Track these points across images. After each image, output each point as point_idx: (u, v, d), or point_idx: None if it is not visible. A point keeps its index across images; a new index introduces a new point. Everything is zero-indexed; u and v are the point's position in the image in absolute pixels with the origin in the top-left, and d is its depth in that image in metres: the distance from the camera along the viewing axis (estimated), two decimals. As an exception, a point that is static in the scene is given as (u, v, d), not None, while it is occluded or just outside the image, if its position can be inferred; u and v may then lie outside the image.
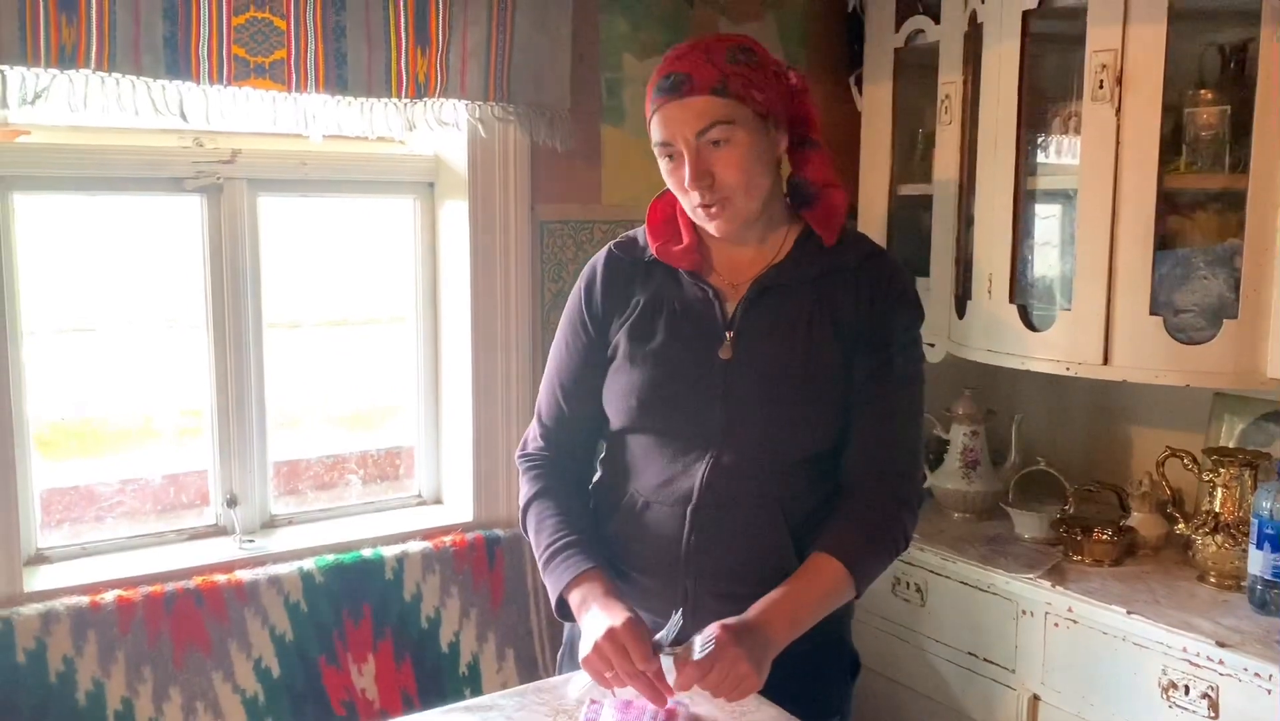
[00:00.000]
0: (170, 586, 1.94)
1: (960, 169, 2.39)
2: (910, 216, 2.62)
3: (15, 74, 1.73)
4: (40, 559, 2.02)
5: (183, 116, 1.88)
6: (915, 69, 2.54)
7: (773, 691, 1.38)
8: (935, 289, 2.46)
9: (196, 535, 2.17)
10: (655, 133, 1.43)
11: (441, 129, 2.13)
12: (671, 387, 1.49)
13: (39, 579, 1.95)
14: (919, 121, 2.59)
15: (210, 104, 1.90)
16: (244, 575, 2.01)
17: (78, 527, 2.12)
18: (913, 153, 2.61)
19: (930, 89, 2.45)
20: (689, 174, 1.40)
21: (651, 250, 1.53)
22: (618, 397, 1.53)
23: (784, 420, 1.46)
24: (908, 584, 2.39)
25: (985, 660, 2.23)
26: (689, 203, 1.45)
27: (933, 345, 2.48)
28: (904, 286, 1.53)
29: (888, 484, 1.48)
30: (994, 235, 2.25)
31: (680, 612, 1.35)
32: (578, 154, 2.35)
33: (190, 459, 2.24)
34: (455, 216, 2.31)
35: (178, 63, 1.83)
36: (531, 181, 2.33)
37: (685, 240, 1.52)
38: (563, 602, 1.46)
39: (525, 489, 1.59)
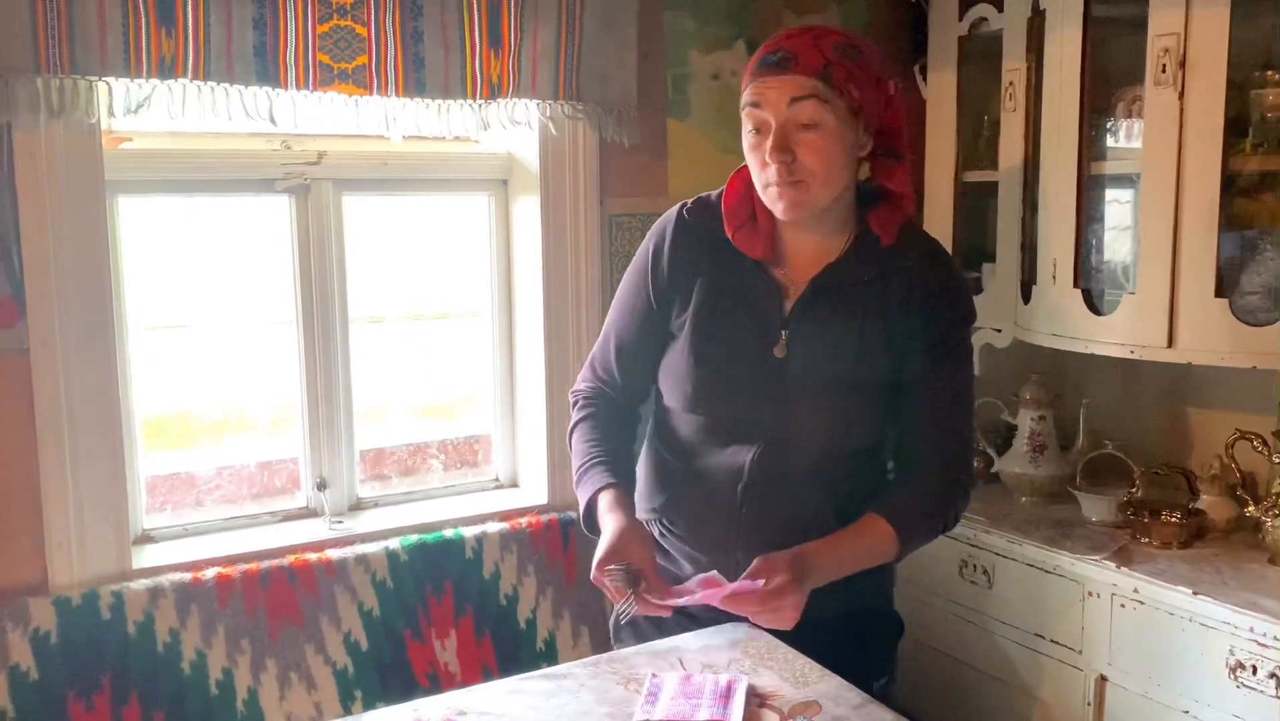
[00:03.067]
0: (265, 564, 2.06)
1: (1025, 155, 2.40)
2: (975, 203, 2.64)
3: (120, 85, 1.86)
4: (146, 538, 2.16)
5: (272, 121, 1.99)
6: (979, 56, 2.55)
7: (824, 658, 1.46)
8: (1001, 274, 2.48)
9: (289, 517, 2.30)
10: (747, 97, 1.43)
11: (514, 128, 2.22)
12: (726, 380, 1.52)
13: (146, 557, 2.09)
14: (984, 108, 2.60)
15: (297, 108, 2.01)
16: (333, 554, 2.12)
17: (180, 510, 2.26)
18: (978, 140, 2.62)
19: (994, 76, 2.47)
20: (771, 143, 1.40)
21: (728, 233, 1.53)
22: (675, 381, 1.57)
23: (830, 419, 1.52)
24: (974, 566, 2.42)
25: (1052, 641, 2.25)
26: (763, 178, 1.45)
27: (1000, 330, 2.50)
28: (957, 287, 1.56)
29: (947, 470, 1.55)
30: (1058, 220, 2.26)
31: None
32: (644, 149, 2.42)
33: (282, 447, 2.36)
34: (528, 212, 2.40)
35: (267, 70, 1.95)
36: (600, 176, 2.40)
37: (761, 225, 1.52)
38: (590, 517, 1.55)
39: (574, 416, 1.66)
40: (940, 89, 2.62)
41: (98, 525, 1.98)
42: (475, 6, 2.11)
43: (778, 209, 1.46)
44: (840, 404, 1.52)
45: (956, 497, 1.57)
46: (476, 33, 2.12)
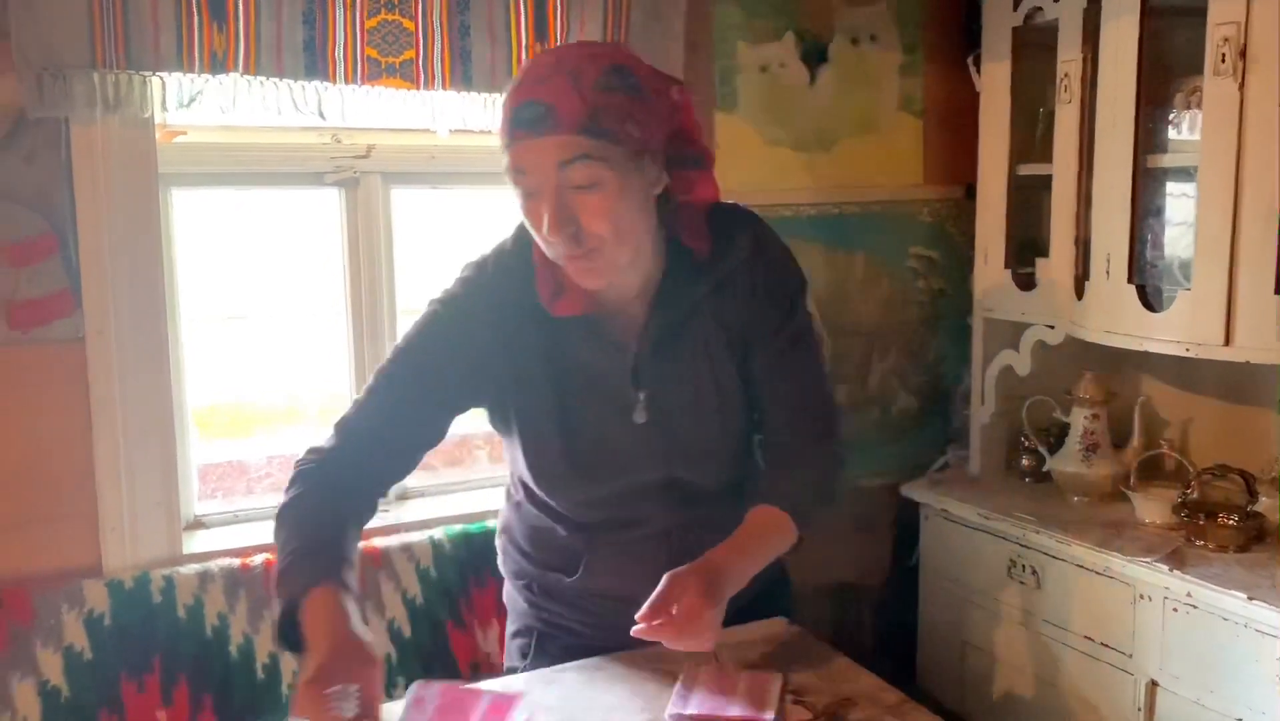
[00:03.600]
0: (312, 551, 2.09)
1: (1080, 148, 2.35)
2: (1029, 197, 2.59)
3: (173, 80, 1.89)
4: (198, 524, 2.21)
5: (321, 115, 2.01)
6: (1034, 47, 2.50)
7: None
8: (1055, 269, 2.43)
9: (336, 505, 2.33)
10: (507, 161, 1.24)
11: (559, 120, 2.22)
12: (594, 459, 1.41)
13: (196, 542, 2.13)
14: (1038, 100, 2.55)
15: (346, 102, 2.03)
16: (379, 542, 2.15)
17: (230, 498, 2.30)
18: (1032, 132, 2.57)
19: (1049, 67, 2.41)
20: (549, 218, 1.23)
21: (545, 304, 1.36)
22: (537, 475, 1.45)
23: (714, 454, 1.47)
24: (1023, 566, 2.38)
25: (1102, 645, 2.20)
26: (550, 249, 1.29)
27: (1052, 327, 2.45)
28: (782, 261, 1.47)
29: (813, 424, 1.52)
30: (1112, 214, 2.21)
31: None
32: (691, 141, 2.41)
33: (333, 436, 2.39)
34: (574, 204, 2.40)
35: (316, 65, 1.97)
36: (646, 169, 2.40)
37: (568, 284, 1.35)
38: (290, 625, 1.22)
39: (286, 494, 1.37)
40: (994, 81, 2.57)
41: (150, 510, 2.03)
42: (522, 1, 2.12)
43: (580, 282, 1.32)
44: (716, 437, 1.46)
45: (835, 464, 1.53)
46: (522, 26, 2.13)
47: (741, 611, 1.51)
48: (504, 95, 1.25)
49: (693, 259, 1.39)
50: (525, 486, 1.52)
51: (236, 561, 2.04)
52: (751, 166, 2.52)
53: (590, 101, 1.18)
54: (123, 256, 1.95)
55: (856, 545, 2.75)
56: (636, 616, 1.28)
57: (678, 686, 1.40)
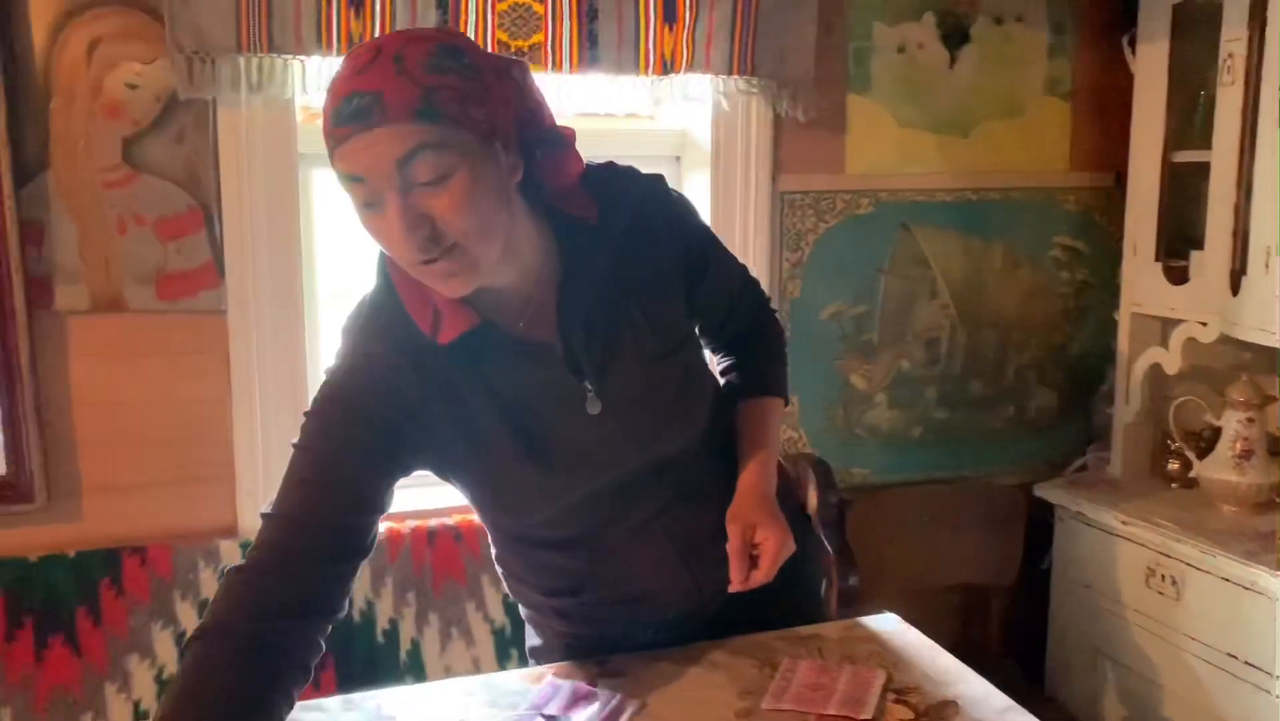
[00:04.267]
0: (434, 523, 2.15)
1: (1241, 134, 2.20)
2: (1185, 185, 2.44)
3: (313, 62, 1.97)
4: (329, 491, 2.30)
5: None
6: (1195, 26, 2.35)
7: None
8: (1209, 263, 2.29)
9: (459, 479, 2.39)
10: (341, 167, 1.05)
11: (686, 103, 2.21)
12: (564, 463, 1.27)
13: (327, 509, 2.22)
14: (1198, 83, 2.40)
15: (475, 85, 2.07)
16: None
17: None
18: (1190, 117, 2.42)
19: (1211, 48, 2.26)
20: (397, 224, 1.04)
21: (427, 335, 1.18)
22: (513, 501, 1.31)
23: (686, 408, 1.36)
24: (1162, 576, 2.25)
25: (1245, 663, 2.07)
26: (404, 261, 1.10)
27: (1205, 324, 2.31)
28: (675, 199, 1.34)
29: (747, 305, 1.51)
30: (1275, 205, 2.06)
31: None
32: (821, 123, 2.36)
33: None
34: (697, 189, 2.38)
35: (448, 48, 2.01)
36: (774, 152, 2.36)
37: (439, 301, 1.17)
38: None
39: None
40: (1150, 62, 2.43)
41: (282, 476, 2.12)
42: (650, -20, 2.12)
43: (444, 290, 1.13)
44: (686, 391, 1.35)
45: (773, 320, 1.56)
46: (652, 8, 2.12)
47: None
48: (324, 100, 1.08)
49: (585, 230, 1.23)
50: (502, 529, 1.42)
51: (361, 529, 2.11)
52: (883, 150, 2.45)
53: (420, 83, 1.02)
54: (263, 233, 2.05)
55: (985, 545, 2.65)
56: (731, 585, 1.31)
57: (777, 677, 1.38)
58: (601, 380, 1.26)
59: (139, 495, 2.04)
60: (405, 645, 2.07)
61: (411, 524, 2.14)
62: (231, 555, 2.02)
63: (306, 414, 1.20)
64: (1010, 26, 2.52)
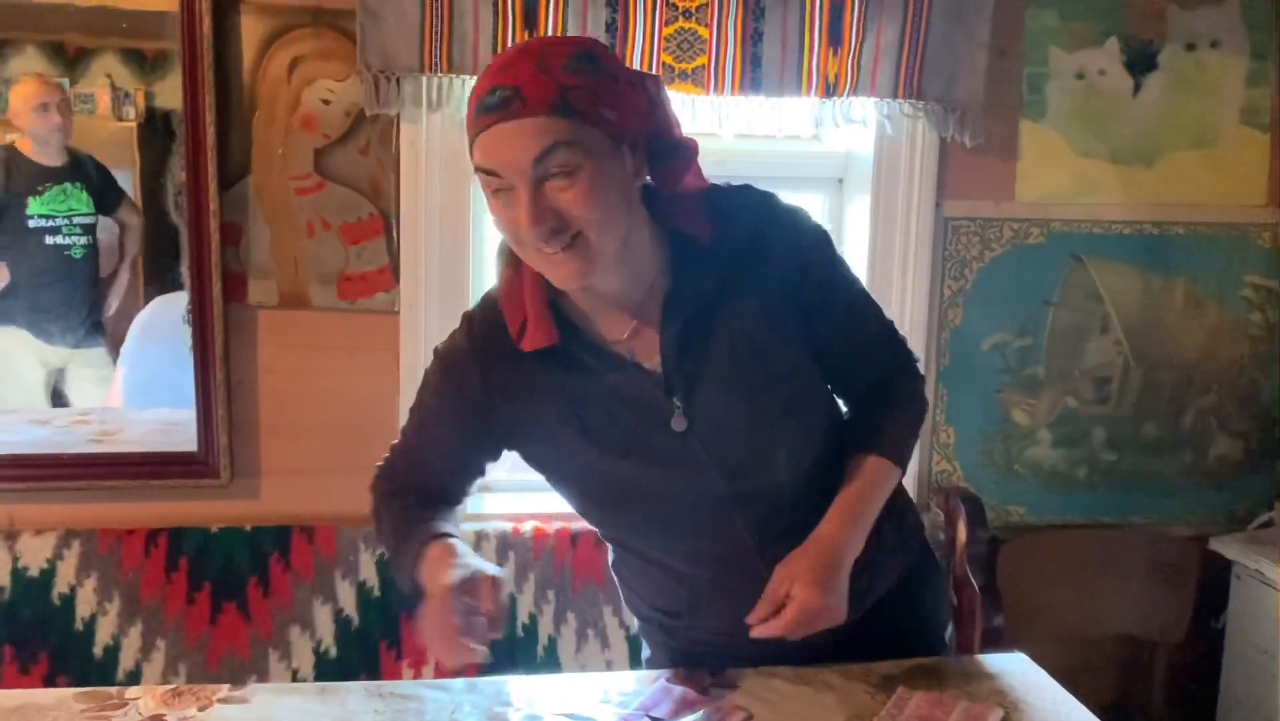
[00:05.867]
0: (577, 526, 2.21)
1: None
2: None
3: (487, 83, 2.08)
4: (484, 487, 2.40)
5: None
6: None
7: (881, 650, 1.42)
8: None
9: (608, 487, 2.45)
10: (476, 158, 1.14)
11: (848, 126, 2.21)
12: (643, 486, 1.30)
13: (480, 504, 2.33)
14: None
15: (639, 106, 2.14)
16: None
17: (516, 466, 2.48)
18: None
19: None
20: (525, 213, 1.11)
21: (513, 339, 1.26)
22: (592, 512, 1.40)
23: (780, 440, 1.31)
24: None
25: None
26: (526, 251, 1.17)
27: None
28: (797, 226, 1.31)
29: (884, 361, 1.42)
30: None
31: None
32: (991, 149, 2.31)
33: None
34: (860, 211, 2.37)
35: (615, 70, 2.09)
36: (938, 177, 2.33)
37: (530, 307, 1.24)
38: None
39: (377, 496, 1.47)
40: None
41: (441, 471, 2.24)
42: (818, 6, 2.13)
43: (558, 279, 1.19)
44: (780, 423, 1.31)
45: (915, 384, 1.45)
46: (817, 31, 2.14)
47: (881, 604, 1.45)
48: (470, 98, 1.16)
49: (698, 250, 1.25)
50: (606, 536, 1.48)
51: (509, 526, 2.21)
52: (1058, 178, 2.37)
53: (558, 80, 1.10)
54: (436, 241, 2.17)
55: (1151, 597, 2.50)
56: (749, 618, 1.27)
57: (889, 705, 1.37)
58: (689, 399, 1.27)
59: (310, 478, 2.20)
60: (543, 641, 2.15)
61: (557, 525, 2.22)
62: (388, 541, 2.15)
63: (418, 392, 1.41)
64: (1203, 53, 2.39)
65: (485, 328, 1.32)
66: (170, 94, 2.07)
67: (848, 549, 1.30)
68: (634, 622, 2.15)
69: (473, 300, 2.19)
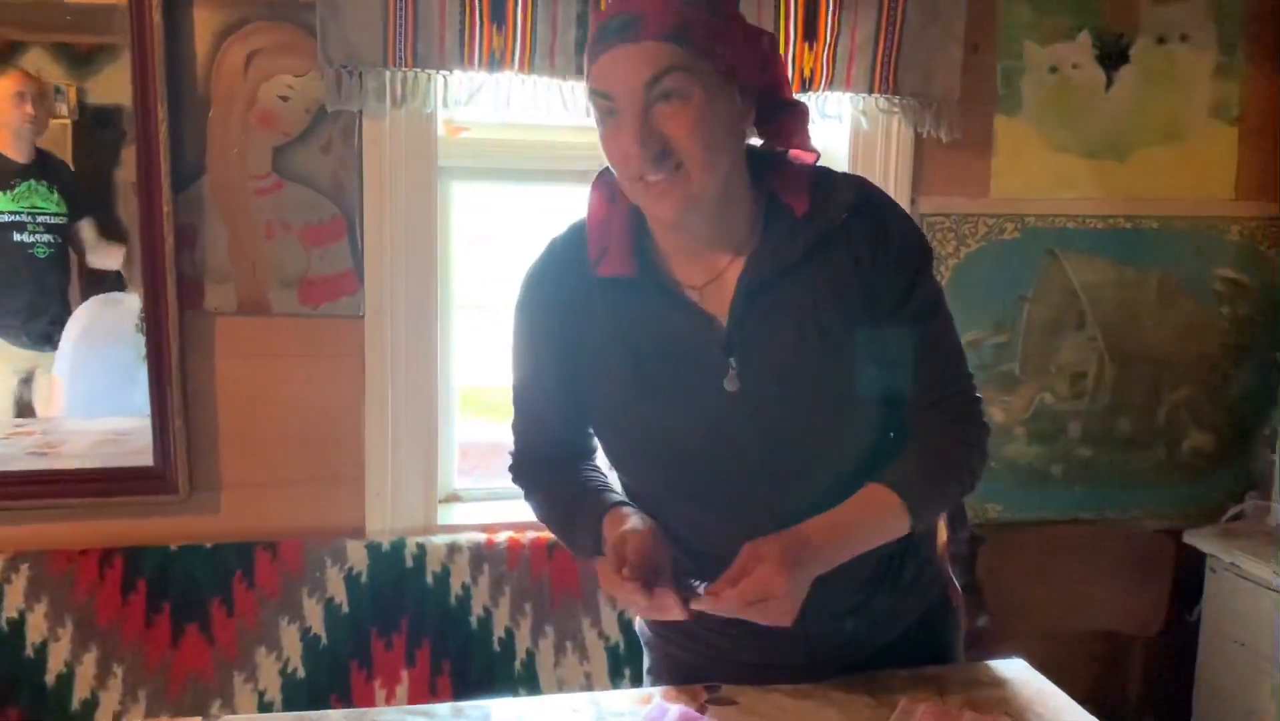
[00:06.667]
0: (554, 536, 2.16)
1: None
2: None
3: (454, 78, 2.01)
4: (454, 498, 2.34)
5: (588, 114, 2.06)
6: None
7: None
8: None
9: (581, 493, 2.39)
10: (594, 81, 1.16)
11: (824, 121, 2.17)
12: (680, 439, 1.28)
13: (451, 514, 2.26)
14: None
15: (613, 102, 2.08)
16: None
17: (486, 476, 2.42)
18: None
19: (1400, 69, 2.11)
20: (631, 133, 1.13)
21: (590, 264, 1.27)
22: (620, 455, 1.36)
23: (827, 429, 1.28)
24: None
25: None
26: (628, 173, 1.18)
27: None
28: (902, 228, 1.29)
29: (945, 407, 1.32)
30: None
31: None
32: (966, 145, 2.28)
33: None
34: (835, 208, 2.33)
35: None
36: (913, 173, 2.30)
37: (614, 234, 1.26)
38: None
39: (525, 478, 1.44)
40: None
41: (411, 481, 2.16)
42: (793, 0, 2.08)
43: (655, 210, 1.20)
44: (831, 412, 1.27)
45: (969, 451, 1.33)
46: (792, 25, 2.10)
47: (894, 644, 1.42)
48: (592, 24, 1.19)
49: (790, 219, 1.24)
50: (624, 483, 1.42)
51: (483, 537, 2.14)
52: (1032, 173, 2.36)
53: (679, 11, 1.12)
54: (401, 242, 2.09)
55: (1128, 592, 2.51)
56: (707, 589, 1.19)
57: (892, 717, 1.33)
58: (746, 361, 1.25)
59: (274, 492, 2.11)
60: (520, 655, 2.08)
61: (532, 535, 2.15)
62: (358, 556, 2.07)
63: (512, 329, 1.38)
64: (1174, 47, 2.39)
65: (566, 247, 1.33)
66: (107, 89, 1.97)
67: (819, 556, 1.21)
68: (615, 634, 2.12)
69: (440, 305, 2.17)
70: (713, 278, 1.27)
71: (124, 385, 2.07)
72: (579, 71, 2.02)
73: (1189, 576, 2.48)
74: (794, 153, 1.27)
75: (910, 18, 2.14)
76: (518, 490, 2.34)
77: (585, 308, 1.29)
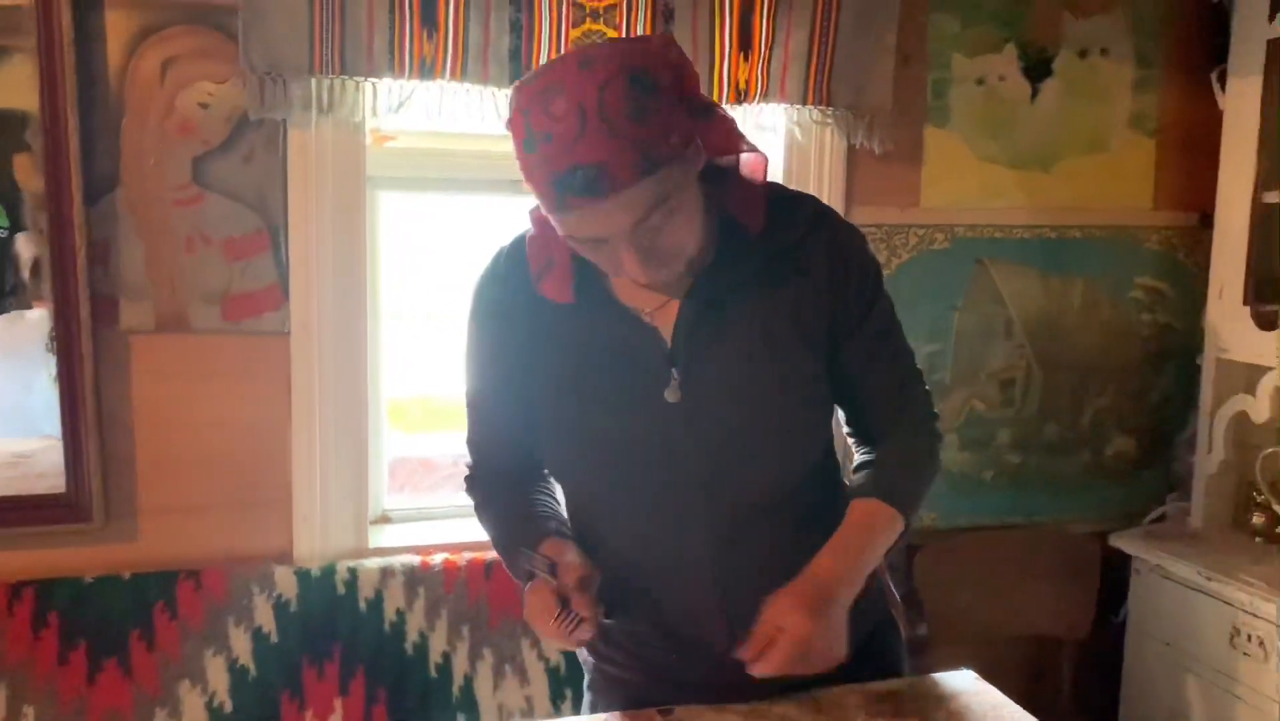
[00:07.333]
0: (490, 555, 2.09)
1: (1342, 174, 2.11)
2: (1276, 227, 2.34)
3: (384, 85, 1.95)
4: (385, 519, 2.26)
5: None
6: (1291, 62, 2.26)
7: None
8: (1303, 308, 2.19)
9: (516, 510, 2.33)
10: (571, 230, 1.12)
11: (759, 133, 2.16)
12: (620, 447, 1.27)
13: (383, 537, 2.18)
14: (1293, 121, 2.30)
15: (546, 111, 2.03)
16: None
17: (417, 494, 2.35)
18: (1284, 156, 2.33)
19: (1309, 84, 2.18)
20: (637, 265, 1.12)
21: (532, 279, 1.26)
22: (559, 463, 1.36)
23: (768, 446, 1.27)
24: (1249, 636, 2.14)
25: (1343, 733, 1.96)
26: (620, 275, 1.18)
27: (1296, 371, 2.21)
28: (854, 244, 1.30)
29: (916, 429, 1.37)
30: (1379, 250, 1.96)
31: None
32: (897, 156, 2.30)
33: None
34: (770, 219, 2.33)
35: (520, 73, 1.98)
36: (846, 184, 2.30)
37: (557, 264, 1.24)
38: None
39: (475, 494, 1.43)
40: (1241, 98, 2.34)
41: (340, 502, 2.09)
42: (728, 9, 2.07)
43: (641, 280, 1.17)
44: (773, 428, 1.27)
45: (932, 445, 1.38)
46: (727, 36, 2.08)
47: (856, 655, 1.38)
48: (524, 153, 1.09)
49: (744, 236, 1.24)
50: (566, 492, 1.41)
51: (417, 559, 2.07)
52: (961, 183, 2.39)
53: (634, 140, 1.04)
54: (329, 255, 2.02)
55: (1058, 595, 2.54)
56: (740, 653, 1.19)
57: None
58: (690, 373, 1.24)
59: (196, 517, 2.01)
60: (459, 680, 2.02)
61: (469, 555, 2.09)
62: (286, 581, 1.98)
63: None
64: (1095, 60, 2.44)
65: (511, 256, 1.32)
66: (8, 92, 1.84)
67: (841, 584, 1.23)
68: (555, 655, 2.07)
69: (368, 322, 2.10)
70: (662, 302, 1.26)
71: (34, 408, 1.95)
72: (512, 79, 1.98)
73: (1115, 578, 2.53)
74: (746, 166, 1.24)
75: (843, 30, 2.14)
76: (452, 509, 2.29)
77: (529, 316, 1.29)
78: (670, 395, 1.24)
